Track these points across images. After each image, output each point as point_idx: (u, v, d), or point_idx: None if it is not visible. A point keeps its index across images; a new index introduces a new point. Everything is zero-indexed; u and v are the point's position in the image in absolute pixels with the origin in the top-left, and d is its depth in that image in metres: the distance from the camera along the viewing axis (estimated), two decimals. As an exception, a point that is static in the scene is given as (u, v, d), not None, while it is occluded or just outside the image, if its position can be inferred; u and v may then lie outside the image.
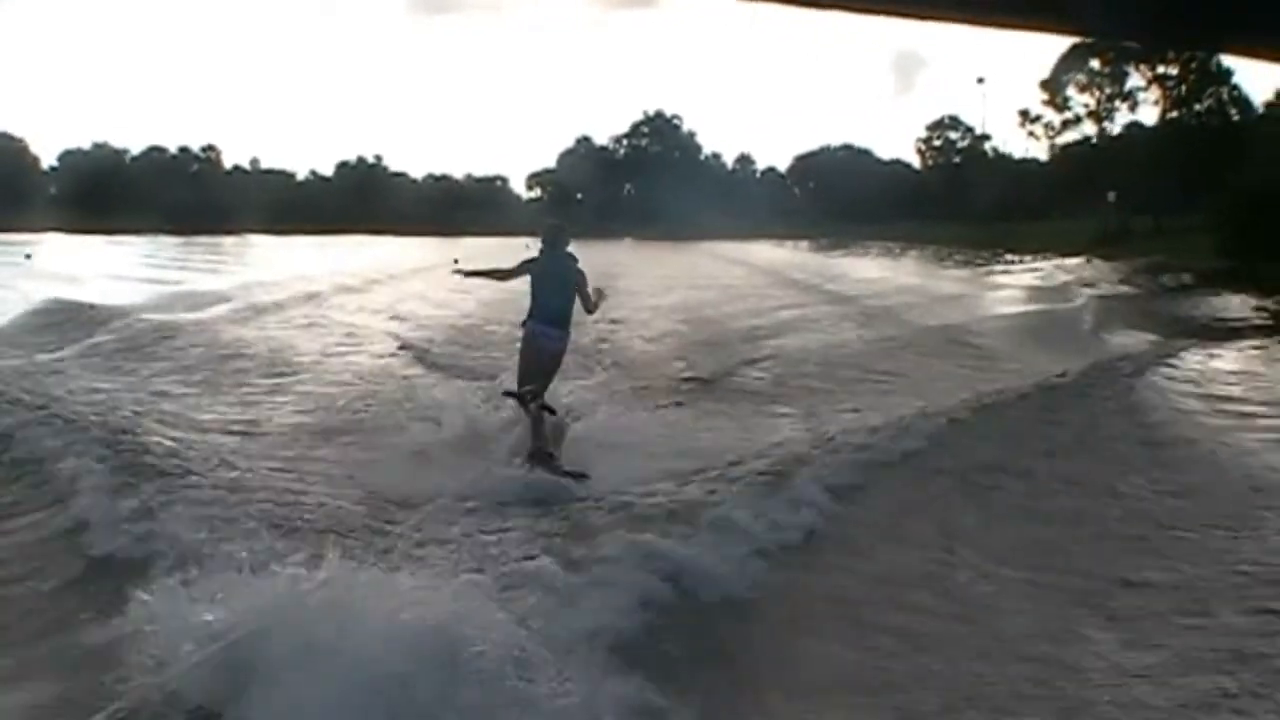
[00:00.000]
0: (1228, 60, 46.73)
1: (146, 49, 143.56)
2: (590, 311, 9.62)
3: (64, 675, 4.96)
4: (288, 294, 24.27)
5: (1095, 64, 53.41)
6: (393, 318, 20.99)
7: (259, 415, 11.18)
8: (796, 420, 11.14)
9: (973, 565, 6.77)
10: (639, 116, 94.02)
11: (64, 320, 17.83)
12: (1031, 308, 23.93)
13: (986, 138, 71.80)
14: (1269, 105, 48.36)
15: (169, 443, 8.87)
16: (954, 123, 77.74)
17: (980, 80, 79.18)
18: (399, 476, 8.34)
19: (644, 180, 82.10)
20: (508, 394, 9.41)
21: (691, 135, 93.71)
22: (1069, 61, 53.77)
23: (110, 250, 52.42)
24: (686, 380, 13.65)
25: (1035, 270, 36.44)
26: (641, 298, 24.51)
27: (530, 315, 9.33)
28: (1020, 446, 9.42)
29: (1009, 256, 40.61)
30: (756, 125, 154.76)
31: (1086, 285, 29.93)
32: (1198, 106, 50.39)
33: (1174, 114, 51.36)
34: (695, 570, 6.11)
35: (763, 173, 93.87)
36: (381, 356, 15.54)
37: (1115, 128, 54.60)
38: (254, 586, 4.94)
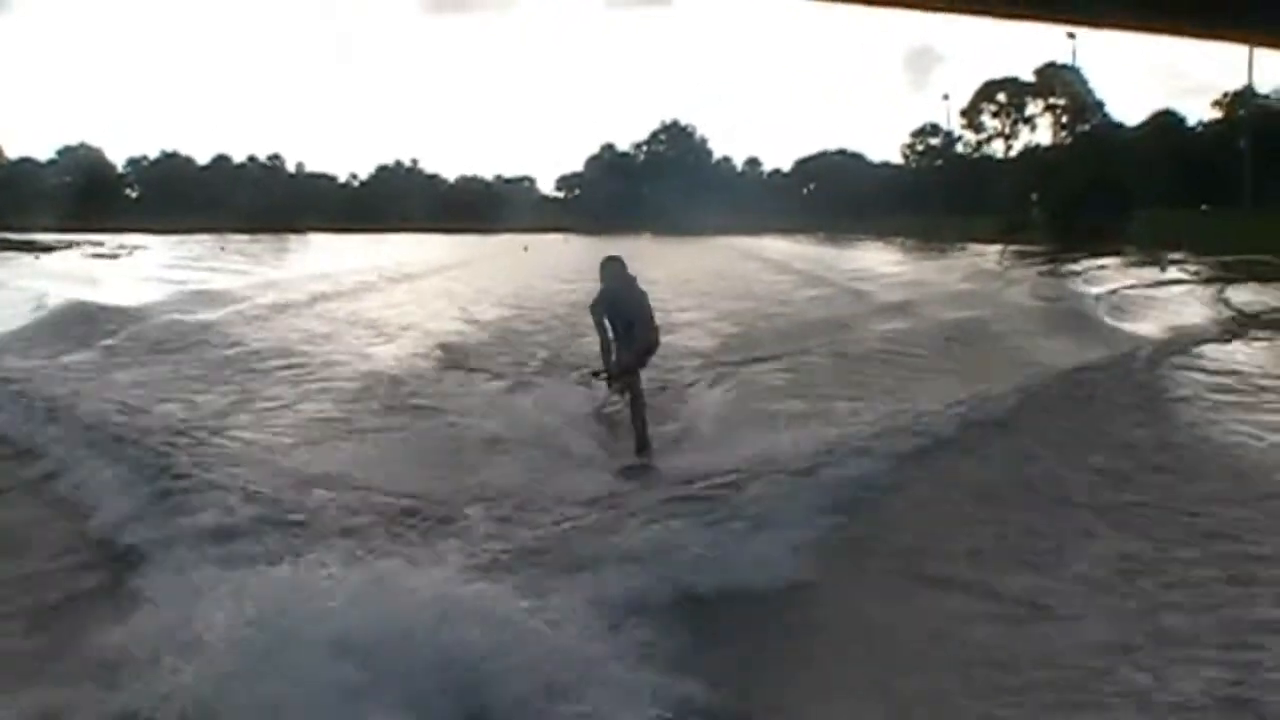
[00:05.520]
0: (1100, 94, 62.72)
1: (183, 60, 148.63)
2: (645, 346, 9.46)
3: (68, 678, 4.76)
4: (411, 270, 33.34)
5: (1002, 97, 69.66)
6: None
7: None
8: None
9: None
10: (656, 124, 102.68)
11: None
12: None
13: (953, 145, 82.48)
14: (1140, 124, 63.86)
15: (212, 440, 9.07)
16: (934, 129, 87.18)
17: (945, 97, 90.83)
18: (432, 470, 8.37)
19: (661, 182, 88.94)
20: (595, 374, 9.59)
21: (704, 141, 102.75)
22: (982, 94, 70.98)
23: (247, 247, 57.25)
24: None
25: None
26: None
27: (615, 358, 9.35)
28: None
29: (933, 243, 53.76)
30: (764, 130, 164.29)
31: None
32: (1080, 128, 64.44)
33: (1062, 135, 66.38)
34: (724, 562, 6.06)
35: (769, 174, 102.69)
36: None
37: (1019, 145, 72.04)
38: (273, 582, 4.96)
